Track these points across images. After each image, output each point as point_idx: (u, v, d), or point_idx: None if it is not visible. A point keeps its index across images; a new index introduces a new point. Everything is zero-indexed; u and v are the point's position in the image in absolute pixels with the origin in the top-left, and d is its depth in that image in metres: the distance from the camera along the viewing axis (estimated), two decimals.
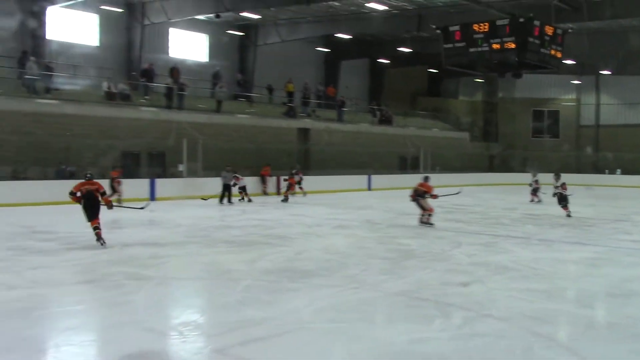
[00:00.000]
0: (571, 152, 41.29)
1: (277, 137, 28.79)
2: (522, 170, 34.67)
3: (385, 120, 37.28)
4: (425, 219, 15.00)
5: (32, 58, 23.69)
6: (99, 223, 11.10)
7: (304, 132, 30.73)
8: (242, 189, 22.07)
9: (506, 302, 7.65)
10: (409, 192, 15.46)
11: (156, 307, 7.28)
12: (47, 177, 20.62)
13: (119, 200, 18.52)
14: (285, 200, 22.60)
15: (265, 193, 25.29)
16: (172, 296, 8.09)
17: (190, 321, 6.88)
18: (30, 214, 16.67)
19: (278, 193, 25.24)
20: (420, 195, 14.96)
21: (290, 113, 31.57)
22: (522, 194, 24.64)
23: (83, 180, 11.28)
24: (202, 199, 20.46)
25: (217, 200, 20.63)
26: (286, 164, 25.90)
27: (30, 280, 8.37)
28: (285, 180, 24.10)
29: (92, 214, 11.05)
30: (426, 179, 15.46)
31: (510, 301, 7.68)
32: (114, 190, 19.26)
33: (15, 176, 20.12)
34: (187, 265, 9.90)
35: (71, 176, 19.88)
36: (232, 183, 21.09)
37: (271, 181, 25.80)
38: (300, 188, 25.04)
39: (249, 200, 21.96)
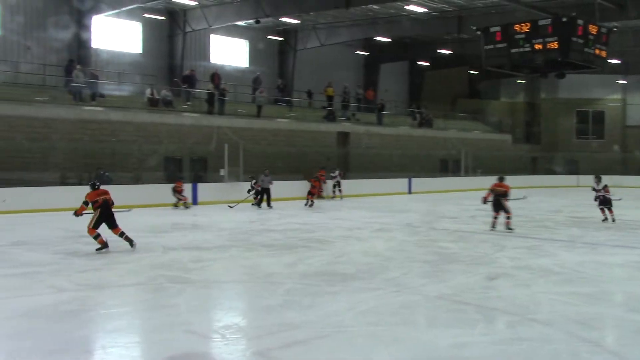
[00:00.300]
0: (617, 153, 40.33)
1: (317, 141, 28.88)
2: (566, 172, 34.05)
3: (425, 123, 37.04)
4: (508, 223, 14.44)
5: (78, 66, 24.29)
6: (121, 229, 11.30)
7: (344, 136, 30.75)
8: (259, 194, 21.42)
9: (550, 306, 7.53)
10: (482, 193, 14.99)
11: (199, 310, 7.39)
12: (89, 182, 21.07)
13: (186, 206, 20.18)
14: (311, 204, 21.69)
15: (320, 197, 25.19)
16: (214, 299, 8.20)
17: (232, 324, 6.96)
18: (76, 218, 17.02)
19: (318, 196, 25.28)
20: (501, 195, 14.47)
21: (330, 117, 31.63)
22: (567, 197, 24.19)
23: (96, 190, 11.33)
24: (229, 205, 20.43)
25: (241, 204, 20.93)
26: (326, 168, 25.95)
27: (78, 283, 8.58)
28: (313, 181, 22.96)
29: (112, 222, 11.26)
30: (502, 179, 14.90)
31: (554, 305, 7.56)
32: (180, 197, 20.30)
33: (63, 181, 20.64)
34: (229, 269, 10.02)
35: (109, 182, 20.38)
36: (269, 186, 21.14)
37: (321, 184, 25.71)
38: (339, 191, 25.06)
39: (269, 206, 21.17)
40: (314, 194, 22.31)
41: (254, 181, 21.50)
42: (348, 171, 28.01)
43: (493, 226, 14.58)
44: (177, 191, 20.37)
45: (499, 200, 14.45)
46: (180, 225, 15.94)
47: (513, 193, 14.86)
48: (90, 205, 11.15)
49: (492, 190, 14.58)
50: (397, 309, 7.40)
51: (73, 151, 21.15)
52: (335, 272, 9.56)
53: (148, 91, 25.99)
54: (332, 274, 9.36)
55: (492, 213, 14.67)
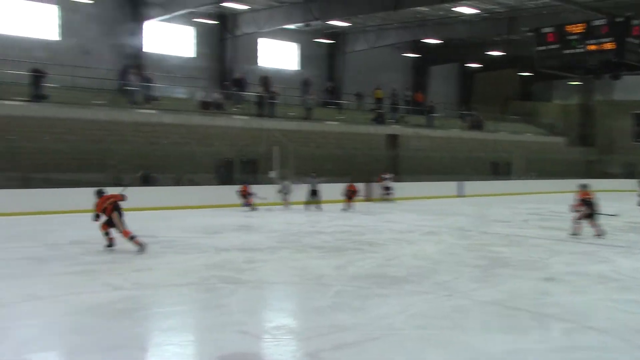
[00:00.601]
0: None
1: (366, 144, 28.85)
2: (622, 176, 33.09)
3: (476, 125, 36.57)
4: (597, 231, 13.94)
5: (133, 70, 24.89)
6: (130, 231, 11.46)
7: (393, 139, 30.63)
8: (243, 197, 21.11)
9: (608, 313, 7.34)
10: (571, 201, 14.51)
11: (250, 311, 7.47)
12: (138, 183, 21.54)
13: (253, 208, 20.29)
14: (347, 209, 21.20)
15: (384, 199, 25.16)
16: (265, 300, 8.28)
17: (283, 325, 7.02)
18: (130, 219, 17.42)
19: (369, 199, 25.27)
20: (590, 204, 13.91)
21: (379, 119, 31.57)
22: (623, 201, 23.50)
23: (101, 198, 11.48)
24: (252, 209, 20.29)
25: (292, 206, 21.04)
26: (376, 170, 25.91)
27: (134, 282, 8.79)
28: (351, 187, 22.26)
29: (123, 223, 11.44)
30: (585, 186, 14.47)
31: (612, 312, 7.37)
32: (247, 200, 20.47)
33: (117, 182, 21.15)
34: (280, 270, 10.10)
35: (154, 182, 20.93)
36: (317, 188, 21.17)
37: (374, 187, 25.63)
38: (390, 194, 25.00)
39: (318, 209, 21.12)
40: (352, 198, 21.65)
41: (285, 182, 21.43)
42: (397, 174, 27.87)
43: (576, 232, 14.18)
44: (243, 195, 20.48)
45: (591, 210, 13.94)
46: (232, 226, 16.15)
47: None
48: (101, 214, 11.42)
49: (583, 200, 14.06)
50: (447, 313, 7.33)
51: (127, 153, 21.67)
52: (386, 274, 9.54)
53: (200, 94, 26.42)
54: (383, 277, 9.34)
55: (578, 219, 14.11)
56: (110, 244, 11.50)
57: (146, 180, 21.46)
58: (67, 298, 7.82)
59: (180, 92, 27.14)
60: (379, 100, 32.76)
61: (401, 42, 34.65)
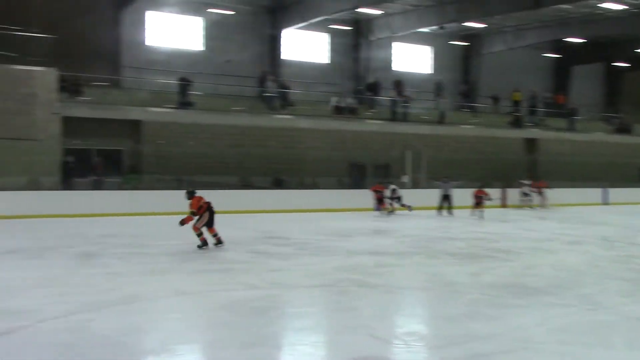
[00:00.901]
0: None
1: (503, 148, 27.92)
2: None
3: (623, 129, 34.20)
4: None
5: (270, 77, 25.80)
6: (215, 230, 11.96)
7: (531, 143, 29.40)
8: (397, 200, 20.62)
9: None
10: None
11: (381, 315, 7.46)
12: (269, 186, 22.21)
13: (392, 210, 20.03)
14: (475, 215, 20.12)
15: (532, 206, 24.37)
16: (397, 305, 8.24)
17: (414, 331, 6.94)
18: (262, 220, 18.06)
19: (504, 205, 24.45)
20: None
21: (517, 123, 30.43)
22: None
23: (195, 197, 11.94)
24: (387, 212, 19.84)
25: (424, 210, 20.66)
26: (512, 175, 24.99)
27: (268, 282, 9.08)
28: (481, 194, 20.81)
29: (212, 222, 11.91)
30: None
31: None
32: (381, 202, 20.29)
33: (256, 185, 22.02)
34: (412, 275, 10.01)
35: (285, 185, 21.44)
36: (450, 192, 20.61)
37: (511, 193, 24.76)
38: (529, 201, 24.06)
39: (450, 214, 20.60)
40: (480, 203, 20.22)
41: (392, 187, 20.72)
42: (536, 179, 26.69)
43: None
44: (377, 198, 20.36)
45: None
46: (363, 230, 16.24)
47: None
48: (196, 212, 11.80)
49: None
50: (592, 329, 6.91)
51: (264, 156, 22.46)
52: (523, 284, 9.15)
53: (334, 99, 26.85)
54: (520, 287, 8.97)
55: None
56: (204, 243, 11.89)
57: (278, 183, 22.15)
58: (208, 294, 8.23)
59: (315, 98, 27.72)
60: (516, 103, 31.58)
61: (541, 42, 33.18)
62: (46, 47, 19.24)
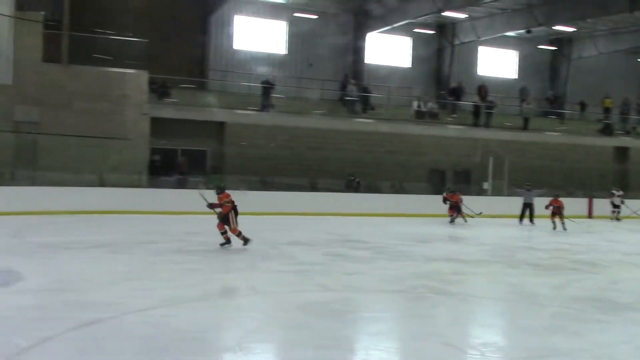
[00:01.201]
0: None
1: (590, 156, 26.86)
2: None
3: None
4: None
5: (352, 81, 25.89)
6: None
7: (622, 151, 28.14)
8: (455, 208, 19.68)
9: None
10: None
11: (458, 324, 7.34)
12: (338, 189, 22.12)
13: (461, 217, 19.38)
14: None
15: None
16: (474, 314, 8.08)
17: (491, 342, 6.78)
18: (339, 223, 18.11)
19: (590, 216, 23.54)
20: None
21: (607, 130, 29.20)
22: None
23: (225, 193, 11.83)
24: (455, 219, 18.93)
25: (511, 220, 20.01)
26: (600, 185, 24.01)
27: (344, 285, 9.11)
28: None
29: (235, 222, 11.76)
30: None
31: None
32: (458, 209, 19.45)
33: (332, 188, 22.12)
34: (490, 285, 9.80)
35: (357, 187, 21.32)
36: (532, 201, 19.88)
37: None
38: (618, 212, 23.05)
39: (531, 223, 19.91)
40: (556, 213, 18.81)
41: (449, 191, 19.87)
42: (627, 190, 25.51)
43: None
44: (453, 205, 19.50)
45: None
46: (442, 236, 16.04)
47: None
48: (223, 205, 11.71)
49: None
50: None
51: (343, 160, 22.55)
52: (608, 299, 8.78)
53: (415, 104, 26.63)
54: (604, 301, 8.62)
55: None
56: (227, 241, 11.87)
57: (351, 186, 22.15)
58: (284, 295, 8.35)
59: (396, 102, 27.60)
60: (606, 110, 30.31)
61: (635, 46, 31.70)
62: (138, 50, 20.07)
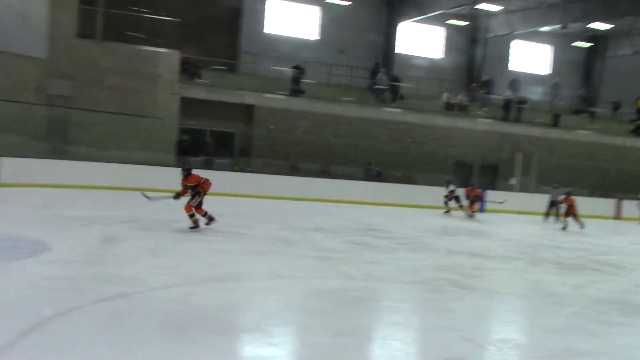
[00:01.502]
0: None
1: (621, 157, 26.46)
2: None
3: None
4: None
5: (382, 69, 25.78)
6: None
7: None
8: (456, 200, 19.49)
9: None
10: None
11: (477, 318, 7.34)
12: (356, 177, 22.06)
13: (448, 210, 19.23)
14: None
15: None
16: (493, 310, 8.07)
17: (510, 338, 6.77)
18: (362, 211, 18.15)
19: (617, 217, 23.23)
20: None
21: (639, 132, 28.72)
22: None
23: (194, 175, 11.51)
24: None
25: (542, 217, 19.77)
26: (632, 187, 23.65)
27: (365, 273, 9.15)
28: None
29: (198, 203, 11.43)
30: None
31: None
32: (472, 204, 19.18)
33: (357, 176, 22.15)
34: (511, 281, 9.76)
35: (378, 176, 21.23)
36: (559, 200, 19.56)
37: None
38: None
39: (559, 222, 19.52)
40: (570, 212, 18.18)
41: (451, 187, 19.57)
42: None
43: None
44: (468, 197, 19.32)
45: None
46: (464, 230, 15.97)
47: None
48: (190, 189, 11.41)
49: None
50: None
51: (371, 149, 22.52)
52: (632, 302, 8.70)
53: (445, 95, 26.45)
54: (627, 304, 8.53)
55: None
56: (211, 220, 11.58)
57: (370, 174, 22.11)
58: (304, 280, 8.41)
59: (426, 93, 27.43)
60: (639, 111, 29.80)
61: None
62: (171, 30, 20.22)
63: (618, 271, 11.33)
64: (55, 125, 18.85)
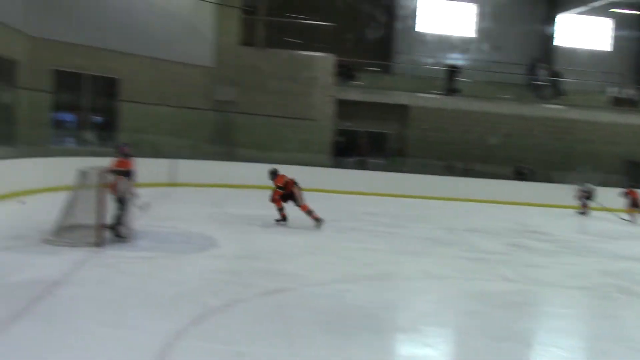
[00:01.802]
0: None
1: None
2: None
3: None
4: None
5: (541, 64, 24.64)
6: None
7: None
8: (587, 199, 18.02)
9: None
10: None
11: None
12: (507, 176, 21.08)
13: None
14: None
15: None
16: None
17: None
18: (516, 212, 17.47)
19: None
20: None
21: None
22: None
23: (277, 176, 11.79)
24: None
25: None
26: None
27: (524, 276, 8.83)
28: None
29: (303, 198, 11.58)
30: None
31: None
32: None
33: (512, 176, 21.36)
34: None
35: (530, 176, 20.14)
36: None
37: None
38: None
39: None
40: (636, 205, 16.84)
41: (584, 186, 18.04)
42: None
43: None
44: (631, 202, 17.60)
45: None
46: (632, 233, 14.85)
47: None
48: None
49: None
50: None
51: (529, 147, 21.63)
52: None
53: (613, 90, 24.73)
54: None
55: None
56: (284, 219, 11.65)
57: (521, 174, 21.11)
58: (461, 282, 8.29)
59: (591, 88, 25.80)
60: None
61: None
62: (326, 34, 20.78)
63: None
64: (222, 128, 20.12)
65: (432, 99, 22.66)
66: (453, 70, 23.28)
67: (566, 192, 18.50)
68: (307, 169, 19.09)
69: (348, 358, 5.12)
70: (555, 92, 24.30)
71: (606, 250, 11.69)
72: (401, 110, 22.29)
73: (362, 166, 20.88)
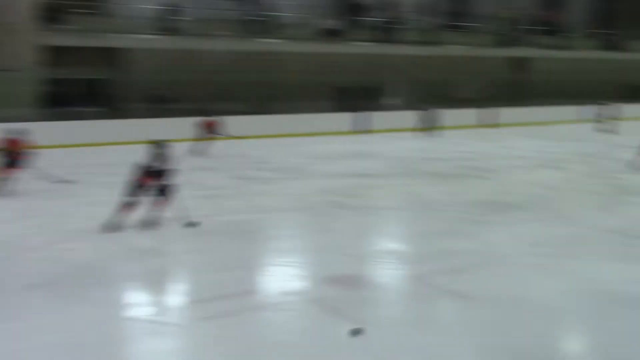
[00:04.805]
0: None
1: (489, 68, 27.73)
2: None
3: (615, 46, 33.77)
4: None
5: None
6: None
7: (519, 62, 29.12)
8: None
9: None
10: None
11: (358, 235, 7.60)
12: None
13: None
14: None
15: None
16: (374, 225, 8.36)
17: (390, 250, 7.09)
18: (244, 145, 17.91)
19: (485, 125, 24.42)
20: None
21: (504, 42, 30.01)
22: None
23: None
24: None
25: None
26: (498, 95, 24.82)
27: (251, 206, 9.09)
28: None
29: None
30: None
31: None
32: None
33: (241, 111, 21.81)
34: (390, 196, 10.11)
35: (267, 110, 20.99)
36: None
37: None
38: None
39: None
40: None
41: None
42: (522, 99, 26.65)
43: None
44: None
45: None
46: (346, 153, 16.14)
47: None
48: None
49: None
50: (563, 242, 7.11)
51: (248, 83, 22.12)
52: (500, 201, 9.32)
53: (318, 22, 26.27)
54: (497, 204, 9.14)
55: None
56: None
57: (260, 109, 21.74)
58: (199, 219, 8.21)
59: (299, 20, 27.04)
60: (505, 21, 30.99)
61: None
62: None
63: (488, 174, 11.99)
64: None
65: (148, 40, 21.85)
66: (170, 9, 22.62)
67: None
68: (11, 125, 17.35)
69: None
70: (266, 26, 25.04)
71: (321, 171, 12.42)
72: (118, 54, 21.16)
73: (79, 117, 19.55)
